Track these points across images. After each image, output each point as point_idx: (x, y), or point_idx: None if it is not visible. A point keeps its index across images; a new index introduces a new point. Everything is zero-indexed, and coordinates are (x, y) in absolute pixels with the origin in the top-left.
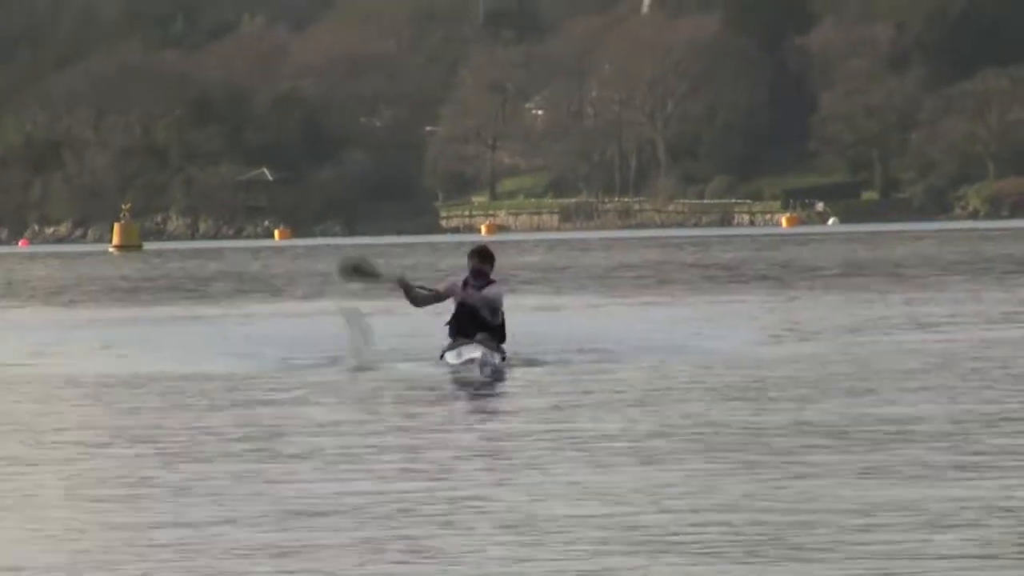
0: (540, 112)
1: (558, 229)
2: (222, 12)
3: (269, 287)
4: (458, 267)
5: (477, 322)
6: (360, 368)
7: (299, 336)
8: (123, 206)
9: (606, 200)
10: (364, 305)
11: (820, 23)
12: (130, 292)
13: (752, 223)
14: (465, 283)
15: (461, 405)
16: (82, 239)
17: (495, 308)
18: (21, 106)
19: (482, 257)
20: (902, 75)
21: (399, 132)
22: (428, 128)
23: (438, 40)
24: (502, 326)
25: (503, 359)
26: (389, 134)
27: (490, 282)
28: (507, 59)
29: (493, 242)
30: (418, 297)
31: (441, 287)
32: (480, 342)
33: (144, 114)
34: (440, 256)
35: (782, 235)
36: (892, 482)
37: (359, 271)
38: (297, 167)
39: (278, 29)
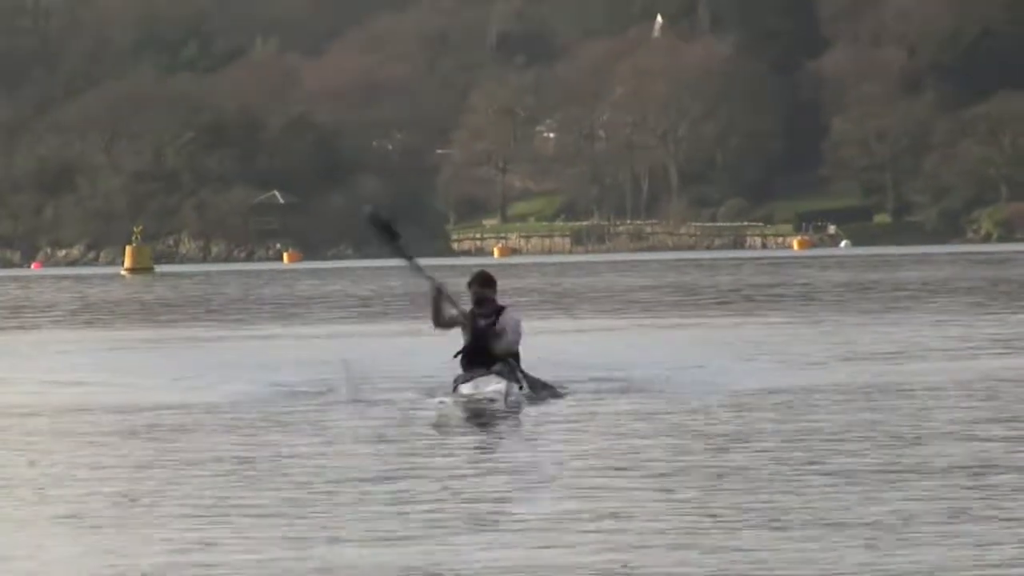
0: (551, 135)
1: (570, 252)
2: (235, 37)
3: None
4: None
5: (485, 354)
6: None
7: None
8: (135, 229)
9: (618, 223)
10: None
11: (832, 47)
12: (154, 313)
13: (764, 246)
14: (472, 314)
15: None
16: (94, 262)
17: (515, 341)
18: (34, 131)
19: (483, 282)
20: (915, 99)
21: (411, 156)
22: (440, 151)
23: (450, 65)
24: (516, 355)
25: (521, 388)
26: (401, 158)
27: (498, 308)
28: (518, 83)
29: (501, 266)
30: (446, 315)
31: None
32: (498, 373)
33: (156, 138)
34: (455, 276)
35: (795, 257)
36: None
37: (384, 227)
38: (309, 191)
39: (290, 54)
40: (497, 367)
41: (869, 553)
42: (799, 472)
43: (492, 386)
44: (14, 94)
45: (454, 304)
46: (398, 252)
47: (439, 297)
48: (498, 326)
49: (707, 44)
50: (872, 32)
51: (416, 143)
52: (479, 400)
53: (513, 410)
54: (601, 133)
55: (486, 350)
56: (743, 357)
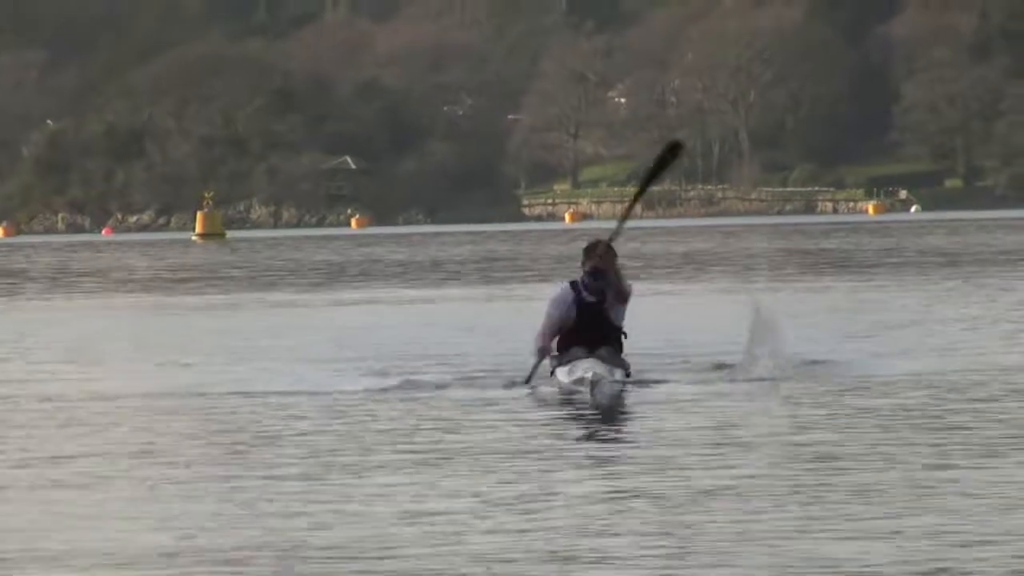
0: (622, 100)
1: (641, 217)
2: (305, 1)
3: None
4: (537, 255)
5: (602, 330)
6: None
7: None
8: (205, 194)
9: (688, 188)
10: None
11: (903, 11)
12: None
13: (835, 211)
14: (580, 288)
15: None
16: (165, 227)
17: (625, 304)
18: (104, 96)
19: (606, 252)
20: (985, 63)
21: (481, 121)
22: (511, 116)
23: (520, 30)
24: (620, 328)
25: (627, 374)
26: (471, 123)
27: (610, 283)
28: (589, 48)
29: (572, 231)
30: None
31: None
32: (600, 358)
33: (226, 103)
34: (521, 243)
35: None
36: None
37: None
38: (379, 156)
39: (360, 19)
40: (601, 351)
41: None
42: None
43: (585, 373)
44: (84, 60)
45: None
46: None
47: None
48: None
49: (777, 9)
50: None
51: (486, 108)
52: (574, 388)
53: (604, 400)
54: (672, 98)
55: (591, 330)
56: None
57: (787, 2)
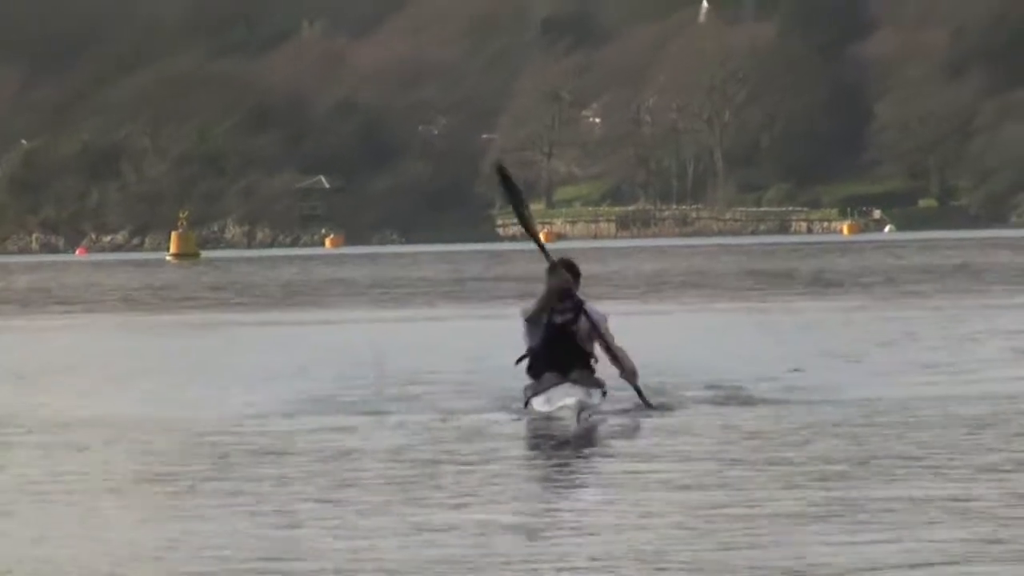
0: (597, 120)
1: (615, 237)
2: (281, 20)
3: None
4: (511, 276)
5: (573, 353)
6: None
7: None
8: (180, 214)
9: (663, 208)
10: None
11: (877, 30)
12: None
13: (810, 231)
14: (550, 309)
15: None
16: (139, 247)
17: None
18: (79, 115)
19: (574, 273)
20: (959, 82)
21: (456, 140)
22: (485, 136)
23: (496, 49)
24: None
25: (604, 395)
26: (446, 142)
27: (579, 304)
28: (564, 67)
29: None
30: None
31: (525, 327)
32: (574, 382)
33: (202, 121)
34: (495, 264)
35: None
36: None
37: (508, 180)
38: (354, 175)
39: (336, 37)
40: (575, 374)
41: None
42: None
43: (565, 400)
44: (60, 78)
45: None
46: (520, 207)
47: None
48: (591, 321)
49: (752, 28)
50: (917, 15)
51: (461, 127)
52: (554, 416)
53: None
54: (647, 118)
55: (561, 352)
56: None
57: (762, 21)
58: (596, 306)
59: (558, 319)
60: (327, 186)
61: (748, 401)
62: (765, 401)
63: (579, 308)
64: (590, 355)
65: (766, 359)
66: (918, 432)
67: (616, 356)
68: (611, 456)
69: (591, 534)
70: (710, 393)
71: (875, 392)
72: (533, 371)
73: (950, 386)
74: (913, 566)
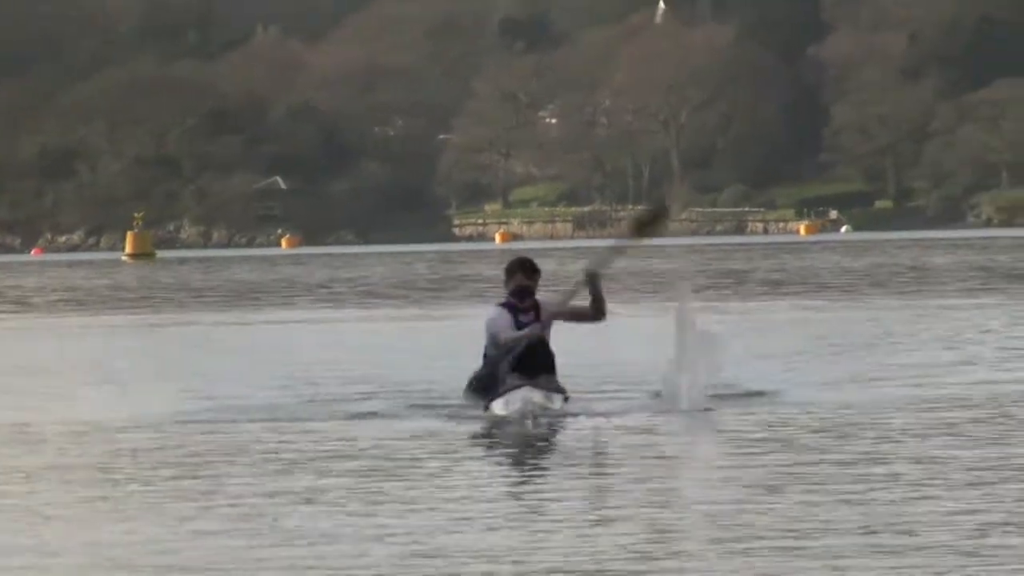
0: (554, 121)
1: (572, 237)
2: (238, 23)
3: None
4: (470, 276)
5: (538, 356)
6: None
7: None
8: (136, 215)
9: (619, 209)
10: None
11: (834, 33)
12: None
13: (766, 231)
14: (512, 309)
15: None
16: (95, 248)
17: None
18: (36, 117)
19: (530, 271)
20: (915, 85)
21: (413, 142)
22: (442, 136)
23: (453, 52)
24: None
25: (565, 399)
26: (403, 144)
27: (536, 304)
28: (521, 69)
29: (504, 252)
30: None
31: (506, 337)
32: (538, 385)
33: (158, 124)
34: (453, 267)
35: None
36: None
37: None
38: (312, 177)
39: (293, 41)
40: (540, 379)
41: None
42: None
43: (522, 401)
44: (17, 80)
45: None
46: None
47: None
48: (547, 313)
49: (709, 30)
50: (873, 18)
51: (418, 129)
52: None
53: (541, 429)
54: (603, 119)
55: (529, 355)
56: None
57: (719, 23)
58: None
59: (523, 319)
60: (283, 187)
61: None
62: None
63: (536, 309)
64: (554, 355)
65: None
66: (870, 433)
67: (576, 312)
68: (568, 460)
69: (544, 532)
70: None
71: (821, 395)
72: (483, 382)
73: (899, 388)
74: None
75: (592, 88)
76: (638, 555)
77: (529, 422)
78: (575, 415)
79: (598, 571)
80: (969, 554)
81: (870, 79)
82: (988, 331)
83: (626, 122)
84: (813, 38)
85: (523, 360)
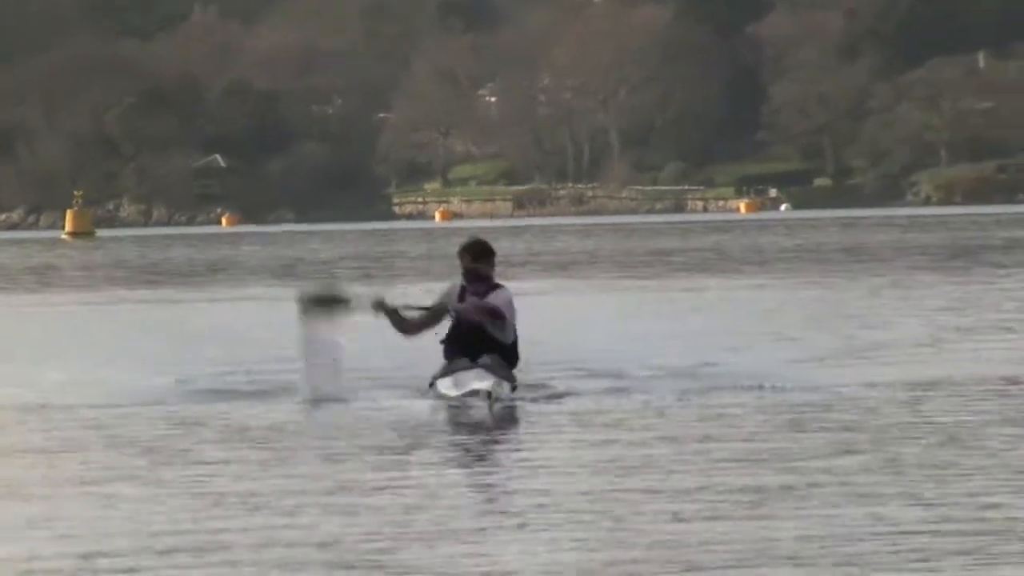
0: (493, 100)
1: (511, 216)
2: (174, 2)
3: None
4: (414, 255)
5: (483, 340)
6: (317, 400)
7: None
8: (76, 193)
9: (559, 187)
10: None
11: (772, 11)
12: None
13: (706, 209)
14: (462, 291)
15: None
16: (35, 226)
17: (503, 321)
18: None
19: (477, 253)
20: (853, 63)
21: (351, 121)
22: (381, 115)
23: (391, 32)
24: (514, 345)
25: (513, 388)
26: (341, 123)
27: (494, 287)
28: (460, 47)
29: (444, 230)
30: (407, 322)
31: (431, 301)
32: (485, 367)
33: (96, 103)
34: (393, 243)
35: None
36: None
37: (321, 302)
38: (250, 156)
39: (230, 21)
40: (484, 359)
41: None
42: None
43: (474, 384)
44: None
45: (408, 307)
46: (352, 306)
47: (386, 310)
48: (488, 298)
49: (648, 9)
50: None
51: (356, 108)
52: (460, 400)
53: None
54: (542, 98)
55: (473, 337)
56: None
57: (658, 2)
58: (506, 293)
59: (472, 300)
60: (223, 165)
61: (626, 389)
62: (647, 387)
63: (491, 292)
64: (502, 343)
65: (658, 342)
66: (829, 415)
67: (477, 314)
68: (517, 442)
69: (503, 512)
70: (606, 381)
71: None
72: (446, 352)
73: (843, 370)
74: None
75: (532, 67)
76: None
77: (486, 406)
78: None
79: None
80: None
81: (808, 58)
82: (922, 311)
83: (565, 100)
84: (751, 16)
85: (459, 343)
